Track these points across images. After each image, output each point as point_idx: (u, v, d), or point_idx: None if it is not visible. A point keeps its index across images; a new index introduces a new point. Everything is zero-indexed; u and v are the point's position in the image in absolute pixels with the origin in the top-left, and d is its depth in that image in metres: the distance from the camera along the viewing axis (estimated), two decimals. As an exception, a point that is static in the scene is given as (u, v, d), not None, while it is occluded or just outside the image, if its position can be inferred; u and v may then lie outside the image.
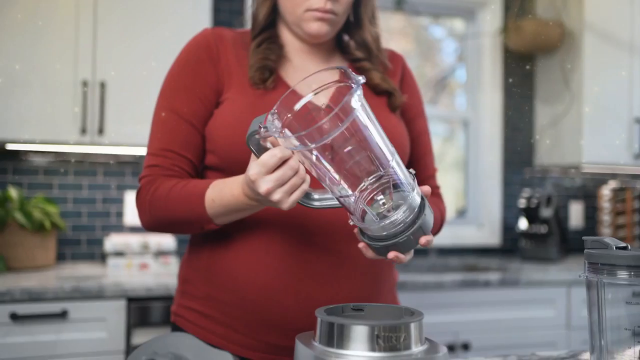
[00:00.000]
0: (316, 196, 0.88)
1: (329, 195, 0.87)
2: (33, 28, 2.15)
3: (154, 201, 1.02)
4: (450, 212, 3.24)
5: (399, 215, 0.80)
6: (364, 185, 0.80)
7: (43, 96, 2.16)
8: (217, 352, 0.67)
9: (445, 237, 3.08)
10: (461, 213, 3.32)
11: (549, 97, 3.19)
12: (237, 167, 0.98)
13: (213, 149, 1.06)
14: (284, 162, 0.81)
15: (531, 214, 3.05)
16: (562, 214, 3.30)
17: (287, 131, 0.79)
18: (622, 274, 0.74)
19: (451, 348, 2.34)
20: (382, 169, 0.79)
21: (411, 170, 0.86)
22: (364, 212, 0.81)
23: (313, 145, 0.74)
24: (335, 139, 0.73)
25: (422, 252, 3.00)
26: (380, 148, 0.79)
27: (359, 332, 0.69)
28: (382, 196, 0.81)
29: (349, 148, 0.77)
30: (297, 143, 0.77)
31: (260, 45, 1.11)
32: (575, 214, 3.38)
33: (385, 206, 0.81)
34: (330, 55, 1.17)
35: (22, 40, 2.15)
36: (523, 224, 3.08)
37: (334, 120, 0.73)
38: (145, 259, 2.33)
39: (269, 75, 1.06)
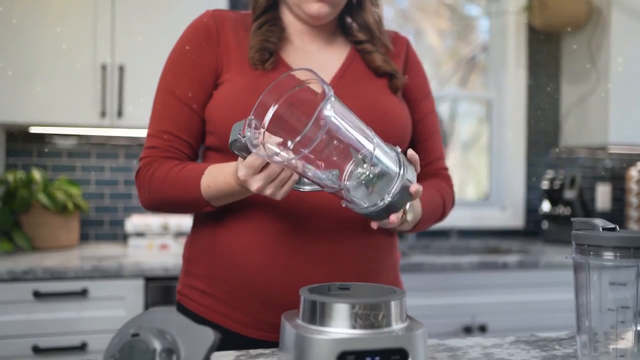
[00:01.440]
0: (307, 180, 0.90)
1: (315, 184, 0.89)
2: (52, 13, 2.20)
3: (152, 183, 1.05)
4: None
5: (377, 183, 0.84)
6: (345, 174, 0.83)
7: (63, 80, 2.20)
8: (199, 327, 0.69)
9: (467, 219, 3.06)
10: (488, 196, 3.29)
11: (575, 76, 3.12)
12: None
13: (212, 130, 1.07)
14: None
15: (554, 195, 3.00)
16: (588, 196, 3.24)
17: (264, 145, 0.81)
18: (608, 255, 0.73)
19: (468, 330, 2.34)
20: (362, 157, 0.83)
21: (396, 147, 0.88)
22: (348, 193, 0.84)
23: (292, 158, 0.78)
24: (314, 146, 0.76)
25: (444, 234, 2.99)
26: (358, 142, 0.82)
27: (339, 310, 0.70)
28: (361, 170, 0.83)
29: (328, 150, 0.80)
30: (285, 157, 0.79)
31: (262, 27, 1.11)
32: (603, 196, 3.31)
33: (363, 177, 0.84)
34: (332, 37, 1.17)
35: (42, 26, 2.19)
36: (546, 206, 3.04)
37: (309, 132, 0.75)
38: (165, 239, 2.37)
39: (268, 57, 1.07)
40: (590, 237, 0.74)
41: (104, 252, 2.27)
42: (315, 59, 1.11)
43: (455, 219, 3.03)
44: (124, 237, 2.56)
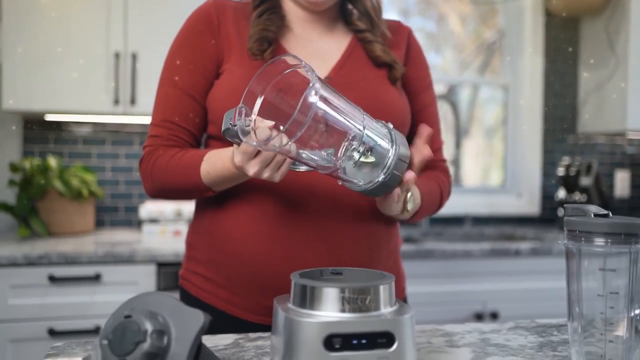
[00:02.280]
0: (300, 165, 0.91)
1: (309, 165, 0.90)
2: (66, 2, 2.22)
3: (155, 170, 1.06)
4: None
5: (370, 159, 0.86)
6: (340, 153, 0.84)
7: (77, 68, 2.23)
8: (190, 309, 0.71)
9: (482, 206, 3.04)
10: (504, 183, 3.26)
11: (593, 62, 3.07)
12: None
13: (213, 120, 1.08)
14: None
15: (570, 182, 2.97)
16: (607, 183, 3.20)
17: (255, 132, 0.81)
18: (599, 241, 0.73)
19: (479, 317, 2.34)
20: (353, 140, 0.84)
21: (389, 124, 0.90)
22: (344, 174, 0.85)
23: (283, 145, 0.79)
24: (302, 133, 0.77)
25: (458, 221, 2.98)
26: (347, 123, 0.83)
27: (328, 294, 0.71)
28: (353, 150, 0.85)
29: (317, 134, 0.81)
30: (267, 137, 0.80)
31: (261, 16, 1.11)
32: (621, 182, 3.27)
33: (355, 157, 0.85)
34: (333, 25, 1.17)
35: (56, 15, 2.22)
36: (562, 193, 3.01)
37: (298, 117, 0.75)
38: (178, 225, 2.41)
39: (267, 46, 1.07)
40: (581, 223, 0.74)
41: (118, 238, 2.31)
42: (316, 47, 1.11)
43: (469, 205, 3.02)
44: (138, 224, 2.60)
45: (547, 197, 3.15)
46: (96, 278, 1.96)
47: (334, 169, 0.86)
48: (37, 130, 2.53)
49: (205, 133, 1.14)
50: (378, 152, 0.86)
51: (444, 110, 3.27)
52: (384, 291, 0.73)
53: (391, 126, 0.90)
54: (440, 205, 1.19)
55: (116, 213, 2.61)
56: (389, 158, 0.87)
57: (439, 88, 3.19)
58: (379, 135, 0.86)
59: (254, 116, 0.82)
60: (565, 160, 3.05)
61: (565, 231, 0.76)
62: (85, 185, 2.34)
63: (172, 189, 1.06)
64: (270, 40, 1.08)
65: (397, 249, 1.18)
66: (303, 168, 0.92)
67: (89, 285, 1.96)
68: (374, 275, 0.78)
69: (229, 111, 0.84)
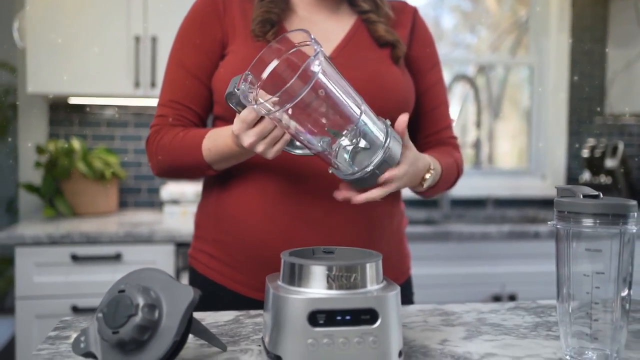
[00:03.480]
0: (298, 144, 0.92)
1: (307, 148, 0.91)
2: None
3: (159, 149, 1.09)
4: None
5: (361, 154, 0.86)
6: (335, 138, 0.85)
7: (99, 52, 2.27)
8: (181, 285, 0.73)
9: (505, 189, 3.01)
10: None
11: (622, 40, 2.99)
12: None
13: (217, 100, 1.10)
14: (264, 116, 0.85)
15: (595, 164, 2.91)
16: (635, 165, 3.13)
17: (260, 94, 0.83)
18: (588, 222, 0.72)
19: (497, 299, 2.33)
20: (349, 124, 0.84)
21: (387, 121, 0.90)
22: (335, 158, 0.86)
23: (276, 110, 0.79)
24: (301, 102, 0.77)
25: (479, 203, 2.96)
26: (346, 105, 0.83)
27: (315, 272, 0.72)
28: (347, 141, 0.84)
29: (315, 109, 0.81)
30: (269, 107, 0.81)
31: None
32: (651, 164, 3.20)
33: (348, 144, 0.85)
34: (337, 7, 1.17)
35: (78, 0, 2.26)
36: (587, 175, 2.96)
37: (297, 86, 0.76)
38: (198, 206, 2.44)
39: (269, 28, 1.08)
40: (570, 204, 0.74)
41: (139, 218, 2.37)
42: (320, 29, 1.12)
43: (491, 188, 2.99)
44: (160, 205, 2.65)
45: (572, 179, 3.11)
46: (117, 257, 2.01)
47: (327, 154, 0.86)
48: (62, 113, 2.60)
49: (212, 114, 1.16)
50: (371, 143, 0.86)
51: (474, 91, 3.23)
52: (371, 269, 0.74)
53: (389, 123, 0.89)
54: (455, 181, 1.20)
55: (139, 194, 2.67)
56: (379, 152, 0.86)
57: (470, 69, 3.16)
58: (375, 126, 0.87)
59: (259, 83, 0.83)
60: (590, 141, 3.00)
61: (555, 212, 0.76)
62: (108, 167, 2.40)
63: (175, 167, 1.09)
64: (273, 22, 1.09)
65: (400, 229, 1.19)
66: (298, 152, 0.93)
67: (110, 264, 2.02)
68: (364, 254, 0.80)
69: (236, 77, 0.85)
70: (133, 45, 2.29)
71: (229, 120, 1.09)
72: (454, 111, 3.18)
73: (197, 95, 1.11)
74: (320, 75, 0.79)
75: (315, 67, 0.78)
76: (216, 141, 1.00)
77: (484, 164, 3.37)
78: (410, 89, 1.13)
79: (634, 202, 0.72)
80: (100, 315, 0.71)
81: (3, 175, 4.13)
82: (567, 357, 0.76)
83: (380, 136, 0.87)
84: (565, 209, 0.74)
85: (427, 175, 1.03)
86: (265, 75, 0.85)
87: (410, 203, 2.86)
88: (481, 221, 2.86)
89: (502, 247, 2.35)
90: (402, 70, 1.13)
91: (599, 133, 3.12)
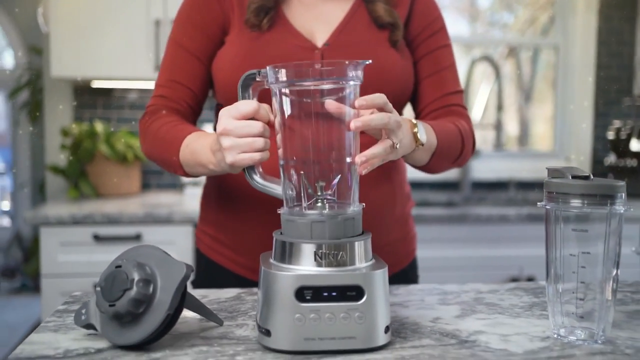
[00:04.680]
0: (259, 175, 0.88)
1: (272, 185, 0.88)
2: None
3: (147, 134, 1.09)
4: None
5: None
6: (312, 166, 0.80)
7: (120, 36, 2.32)
8: (175, 261, 0.76)
9: (527, 171, 2.98)
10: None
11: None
12: None
13: (217, 87, 1.11)
14: (254, 118, 0.81)
15: (621, 146, 2.86)
16: (661, 147, 3.06)
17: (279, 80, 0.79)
18: (576, 202, 0.72)
19: (515, 281, 2.32)
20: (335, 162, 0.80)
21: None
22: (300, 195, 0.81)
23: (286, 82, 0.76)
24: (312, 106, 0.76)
25: (502, 186, 2.94)
26: (345, 143, 0.79)
27: (303, 249, 0.74)
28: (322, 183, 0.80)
29: (321, 124, 0.78)
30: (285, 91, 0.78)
31: None
32: (679, 147, 3.12)
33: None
34: None
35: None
36: (612, 157, 2.91)
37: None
38: (218, 188, 2.48)
39: (264, 16, 1.06)
40: (558, 185, 0.74)
41: (160, 200, 2.42)
42: (319, 12, 1.10)
43: (514, 170, 2.96)
44: (181, 187, 2.70)
45: (597, 161, 3.06)
46: (137, 237, 2.06)
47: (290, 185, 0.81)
48: (87, 96, 2.65)
49: (205, 95, 1.16)
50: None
51: (507, 71, 3.17)
52: (359, 247, 0.75)
53: None
54: (462, 150, 1.11)
55: (162, 176, 2.72)
56: None
57: (503, 50, 3.10)
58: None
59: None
60: (617, 123, 2.94)
61: (545, 193, 0.76)
62: (130, 149, 2.45)
63: (154, 157, 1.08)
64: (267, 10, 1.06)
65: (405, 212, 1.18)
66: (257, 181, 0.87)
67: (130, 244, 2.07)
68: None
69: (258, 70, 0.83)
70: (153, 29, 2.32)
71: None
72: (478, 94, 3.14)
73: (195, 76, 1.10)
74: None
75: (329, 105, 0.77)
76: (199, 138, 0.98)
77: (509, 145, 3.34)
78: (409, 73, 1.10)
79: (622, 183, 0.72)
80: (98, 289, 0.75)
81: (36, 157, 4.25)
82: (555, 335, 0.77)
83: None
84: (553, 189, 0.74)
85: (415, 129, 0.94)
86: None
87: (431, 186, 2.86)
88: (503, 204, 2.84)
89: (520, 229, 2.33)
90: (401, 54, 1.10)
91: (626, 114, 3.05)
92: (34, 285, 4.26)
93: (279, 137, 0.81)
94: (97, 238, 2.05)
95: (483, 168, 2.96)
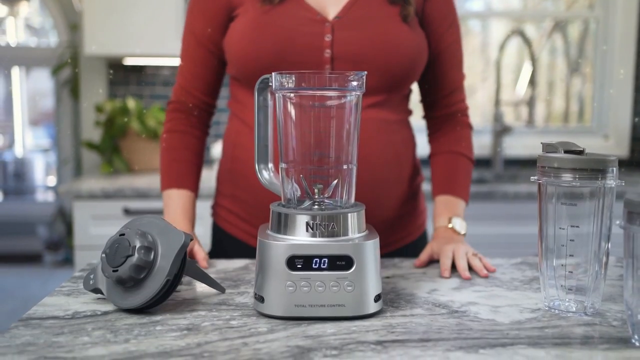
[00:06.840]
0: (268, 172, 0.94)
1: (279, 184, 0.89)
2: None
3: (161, 146, 1.24)
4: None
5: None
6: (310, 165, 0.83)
7: (151, 13, 2.36)
8: (175, 230, 0.79)
9: (561, 148, 2.92)
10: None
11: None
12: (251, 77, 1.05)
13: (230, 60, 1.13)
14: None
15: (659, 123, 2.77)
16: None
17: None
18: (567, 177, 0.72)
19: (542, 259, 2.30)
20: (333, 162, 0.83)
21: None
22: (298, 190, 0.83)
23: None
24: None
25: (535, 163, 2.88)
26: (346, 144, 0.82)
27: (297, 220, 0.77)
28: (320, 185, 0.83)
29: (324, 126, 0.82)
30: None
31: None
32: None
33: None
34: None
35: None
36: (650, 134, 2.83)
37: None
38: (247, 164, 2.53)
39: None
40: (549, 159, 0.74)
41: (191, 174, 2.47)
42: None
43: (546, 147, 2.91)
44: (211, 162, 2.75)
45: (636, 139, 2.97)
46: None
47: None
48: (121, 73, 2.72)
49: (227, 74, 1.19)
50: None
51: (553, 44, 3.09)
52: (352, 219, 0.77)
53: None
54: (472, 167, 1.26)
55: (192, 152, 2.78)
56: None
57: (544, 25, 3.02)
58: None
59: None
60: (656, 99, 2.84)
61: (538, 167, 0.76)
62: (161, 125, 2.51)
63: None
64: None
65: (414, 187, 1.19)
66: (266, 178, 0.95)
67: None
68: (351, 205, 0.82)
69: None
70: (183, 6, 2.36)
71: (239, 81, 1.13)
72: (516, 70, 3.08)
73: (206, 65, 1.15)
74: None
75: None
76: (169, 200, 1.22)
77: (555, 121, 3.27)
78: (420, 48, 1.11)
79: (613, 157, 0.72)
80: (103, 255, 0.79)
81: (76, 133, 4.38)
82: (546, 307, 0.77)
83: None
84: (546, 164, 0.75)
85: (451, 224, 1.13)
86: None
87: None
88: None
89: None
90: (412, 29, 1.10)
91: (669, 90, 2.95)
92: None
93: (280, 140, 0.84)
94: (127, 212, 2.12)
95: (515, 145, 2.92)
